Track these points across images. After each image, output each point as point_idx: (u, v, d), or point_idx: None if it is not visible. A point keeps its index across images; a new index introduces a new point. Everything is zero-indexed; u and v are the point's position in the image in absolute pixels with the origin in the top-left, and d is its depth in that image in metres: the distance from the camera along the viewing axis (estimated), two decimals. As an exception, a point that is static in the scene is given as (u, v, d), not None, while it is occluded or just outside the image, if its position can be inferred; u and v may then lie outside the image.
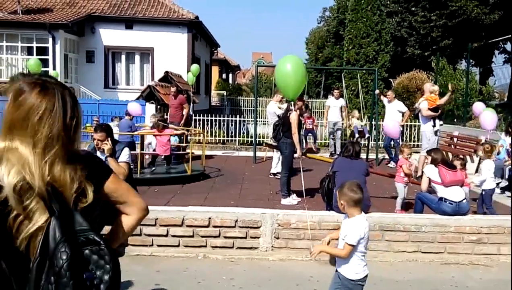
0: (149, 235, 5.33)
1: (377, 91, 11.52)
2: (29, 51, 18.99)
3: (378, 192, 7.90)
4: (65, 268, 1.46)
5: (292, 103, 7.32)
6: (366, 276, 3.30)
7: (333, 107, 12.72)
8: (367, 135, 11.92)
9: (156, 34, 19.63)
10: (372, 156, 11.80)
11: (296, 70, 6.51)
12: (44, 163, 1.57)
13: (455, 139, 12.15)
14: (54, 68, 17.76)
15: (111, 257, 1.59)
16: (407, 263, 5.47)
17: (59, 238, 1.49)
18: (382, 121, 11.78)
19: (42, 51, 18.44)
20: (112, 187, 1.77)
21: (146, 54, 20.28)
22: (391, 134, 9.05)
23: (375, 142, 12.18)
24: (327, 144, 14.21)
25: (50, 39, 18.24)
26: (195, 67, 14.57)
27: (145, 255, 5.30)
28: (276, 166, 9.20)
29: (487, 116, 9.02)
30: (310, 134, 13.31)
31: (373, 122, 12.27)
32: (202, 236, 5.38)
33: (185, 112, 11.62)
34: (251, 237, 5.46)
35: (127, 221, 1.84)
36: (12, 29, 18.58)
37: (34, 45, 18.76)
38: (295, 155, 7.50)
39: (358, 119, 12.08)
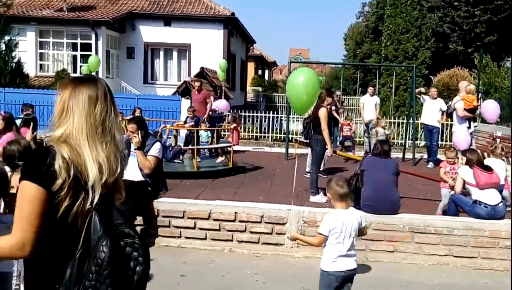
0: (178, 227, 5.49)
1: (421, 89, 11.13)
2: (74, 47, 19.72)
3: (412, 193, 7.76)
4: (107, 262, 1.59)
5: (321, 99, 7.30)
6: (345, 271, 3.36)
7: (368, 105, 12.55)
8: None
9: (193, 30, 19.94)
10: (408, 155, 11.58)
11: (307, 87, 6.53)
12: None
13: (497, 140, 11.76)
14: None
15: (143, 250, 1.72)
16: (437, 266, 5.36)
17: (100, 232, 1.62)
18: (419, 119, 11.51)
19: (86, 47, 19.11)
20: None
21: (184, 50, 20.64)
22: (459, 144, 8.67)
23: (411, 142, 11.95)
24: (361, 142, 14.05)
25: (93, 36, 18.87)
26: (223, 62, 14.69)
27: (173, 247, 5.47)
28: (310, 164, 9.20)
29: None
30: (348, 140, 13.14)
31: (410, 121, 12.03)
32: (228, 230, 5.49)
33: (208, 106, 11.80)
34: (277, 233, 5.53)
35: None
36: (58, 26, 19.35)
37: (78, 41, 19.46)
38: (326, 152, 7.47)
39: (383, 127, 11.83)
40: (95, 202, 1.67)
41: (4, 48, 16.70)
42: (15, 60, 17.12)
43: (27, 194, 1.61)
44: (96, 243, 1.61)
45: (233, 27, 21.21)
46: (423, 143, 11.87)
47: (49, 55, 19.87)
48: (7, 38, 16.97)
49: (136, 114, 11.26)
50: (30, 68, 18.64)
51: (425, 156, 11.47)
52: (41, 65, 19.91)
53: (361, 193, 5.75)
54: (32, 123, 7.09)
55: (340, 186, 3.37)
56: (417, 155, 11.49)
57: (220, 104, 12.32)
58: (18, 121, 7.41)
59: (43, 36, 19.67)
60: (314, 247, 3.97)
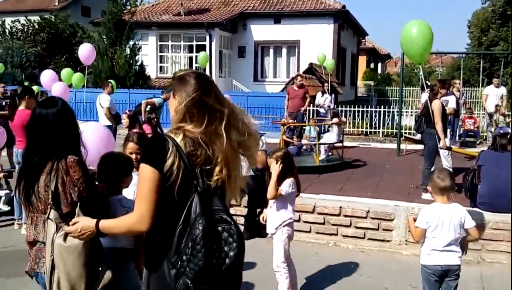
0: (283, 220, 5.59)
1: None
2: (190, 49, 20.98)
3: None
4: (200, 238, 1.76)
5: (434, 91, 6.89)
6: (442, 266, 3.20)
7: (492, 96, 11.52)
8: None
9: (303, 26, 19.99)
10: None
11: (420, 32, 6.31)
12: None
13: None
14: (210, 64, 19.27)
15: (238, 237, 1.84)
16: None
17: (198, 212, 1.80)
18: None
19: (201, 48, 20.22)
20: None
21: (293, 47, 20.81)
22: None
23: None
24: (485, 137, 12.95)
25: (207, 37, 19.89)
26: (321, 54, 14.42)
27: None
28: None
29: None
30: (471, 134, 12.23)
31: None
32: (333, 225, 5.46)
33: (307, 102, 11.77)
34: (384, 229, 5.36)
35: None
36: (176, 29, 20.74)
37: (194, 43, 20.66)
38: (439, 146, 7.05)
39: (503, 115, 10.74)
40: (200, 186, 1.84)
41: (128, 53, 18.37)
42: (138, 63, 18.75)
43: (143, 175, 1.85)
44: (193, 221, 1.78)
45: (343, 21, 20.86)
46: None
47: (168, 57, 21.37)
48: (131, 43, 18.64)
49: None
50: (151, 70, 20.24)
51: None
52: (161, 67, 21.51)
53: (478, 189, 5.34)
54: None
55: (440, 179, 3.19)
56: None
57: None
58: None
59: (162, 40, 21.21)
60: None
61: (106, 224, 2.07)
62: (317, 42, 19.58)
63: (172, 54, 21.32)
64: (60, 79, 8.91)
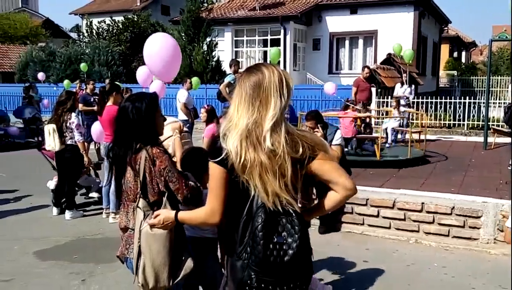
0: (360, 214, 5.47)
1: None
2: (264, 43, 21.09)
3: None
4: (259, 229, 1.79)
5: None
6: None
7: None
8: None
9: (380, 16, 19.34)
10: None
11: None
12: None
13: None
14: (284, 58, 19.27)
15: (300, 229, 1.83)
16: None
17: (259, 204, 1.82)
18: None
19: (275, 42, 20.26)
20: (317, 166, 1.91)
21: (370, 37, 20.21)
22: None
23: None
24: None
25: (282, 31, 19.88)
26: (397, 45, 13.77)
27: (356, 233, 5.47)
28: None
29: None
30: None
31: None
32: (414, 221, 5.24)
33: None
34: (470, 227, 5.06)
35: (333, 196, 1.98)
36: (251, 24, 20.94)
37: (269, 37, 20.74)
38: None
39: None
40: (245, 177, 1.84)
41: (205, 49, 18.85)
42: (215, 59, 19.16)
43: (211, 172, 1.91)
44: (255, 212, 1.81)
45: (424, 8, 19.89)
46: None
47: (243, 52, 21.65)
48: (208, 39, 19.11)
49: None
50: (227, 66, 20.61)
51: None
52: (236, 62, 21.81)
53: None
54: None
55: None
56: None
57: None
58: None
59: (238, 35, 21.52)
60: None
61: (183, 216, 2.18)
62: (395, 31, 18.83)
63: (247, 49, 21.57)
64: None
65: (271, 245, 1.78)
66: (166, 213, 2.29)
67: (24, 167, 9.86)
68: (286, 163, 1.81)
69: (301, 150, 1.84)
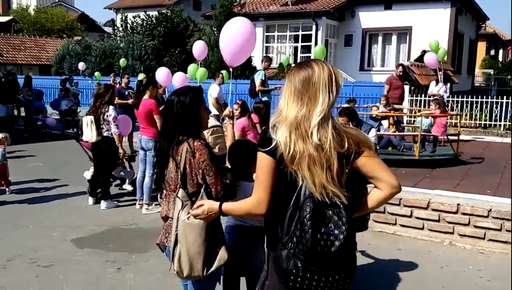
0: (393, 214, 5.41)
1: None
2: (295, 39, 20.99)
3: None
4: (307, 219, 1.81)
5: None
6: None
7: None
8: None
9: (416, 12, 18.96)
10: None
11: None
12: None
13: None
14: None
15: (347, 221, 1.83)
16: None
17: (308, 194, 1.85)
18: None
19: (306, 38, 20.15)
20: (363, 162, 1.94)
21: (404, 34, 19.86)
22: None
23: None
24: None
25: (314, 27, 19.75)
26: (434, 41, 13.43)
27: (388, 233, 5.41)
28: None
29: None
30: None
31: None
32: (449, 222, 5.14)
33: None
34: (507, 231, 4.93)
35: (376, 194, 2.01)
36: (282, 20, 20.87)
37: (300, 33, 20.63)
38: None
39: None
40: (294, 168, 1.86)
41: (238, 44, 18.88)
42: (246, 54, 19.18)
43: (259, 162, 1.93)
44: (302, 203, 1.83)
45: (462, 4, 19.39)
46: None
47: (274, 48, 21.60)
48: (240, 34, 19.13)
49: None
50: (257, 61, 20.62)
51: None
52: (267, 58, 21.78)
53: None
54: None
55: None
56: None
57: None
58: None
59: (269, 31, 21.48)
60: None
61: (228, 207, 2.21)
62: (431, 28, 18.43)
63: (278, 44, 21.51)
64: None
65: (318, 235, 1.80)
66: (210, 204, 2.31)
67: (61, 158, 10.15)
68: (333, 157, 1.84)
69: (347, 145, 1.87)
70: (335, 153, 1.85)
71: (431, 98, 12.30)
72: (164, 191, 2.76)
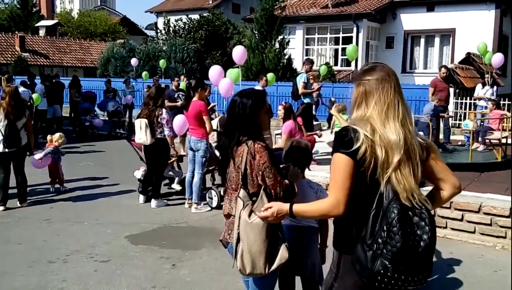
0: (443, 217, 5.36)
1: None
2: (336, 41, 20.91)
3: None
4: (396, 220, 1.86)
5: None
6: None
7: None
8: None
9: (459, 14, 18.54)
10: None
11: None
12: None
13: None
14: (356, 56, 18.93)
15: (430, 221, 1.89)
16: None
17: (392, 197, 1.89)
18: None
19: (347, 40, 20.02)
20: (431, 164, 2.04)
21: (447, 36, 19.46)
22: None
23: None
24: None
25: (355, 29, 19.62)
26: (481, 44, 13.07)
27: (438, 236, 5.30)
28: None
29: None
30: None
31: None
32: (501, 226, 5.06)
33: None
34: None
35: (438, 195, 2.09)
36: (323, 22, 20.84)
37: (340, 35, 20.54)
38: None
39: None
40: (389, 173, 1.91)
41: (278, 47, 19.00)
42: (286, 56, 19.28)
43: (337, 163, 1.97)
44: (387, 206, 1.88)
45: (507, 6, 18.82)
46: None
47: (314, 50, 21.58)
48: (280, 37, 19.25)
49: None
50: (297, 64, 20.67)
51: None
52: (307, 60, 21.79)
53: None
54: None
55: None
56: None
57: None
58: None
59: (309, 33, 21.48)
60: None
61: (300, 208, 2.17)
62: (475, 30, 17.97)
63: (318, 47, 21.48)
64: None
65: (407, 236, 1.85)
66: (279, 206, 2.26)
67: (109, 157, 10.51)
68: (418, 162, 1.94)
69: (424, 151, 1.97)
70: (419, 158, 1.94)
71: (477, 101, 12.04)
72: (227, 189, 2.85)
